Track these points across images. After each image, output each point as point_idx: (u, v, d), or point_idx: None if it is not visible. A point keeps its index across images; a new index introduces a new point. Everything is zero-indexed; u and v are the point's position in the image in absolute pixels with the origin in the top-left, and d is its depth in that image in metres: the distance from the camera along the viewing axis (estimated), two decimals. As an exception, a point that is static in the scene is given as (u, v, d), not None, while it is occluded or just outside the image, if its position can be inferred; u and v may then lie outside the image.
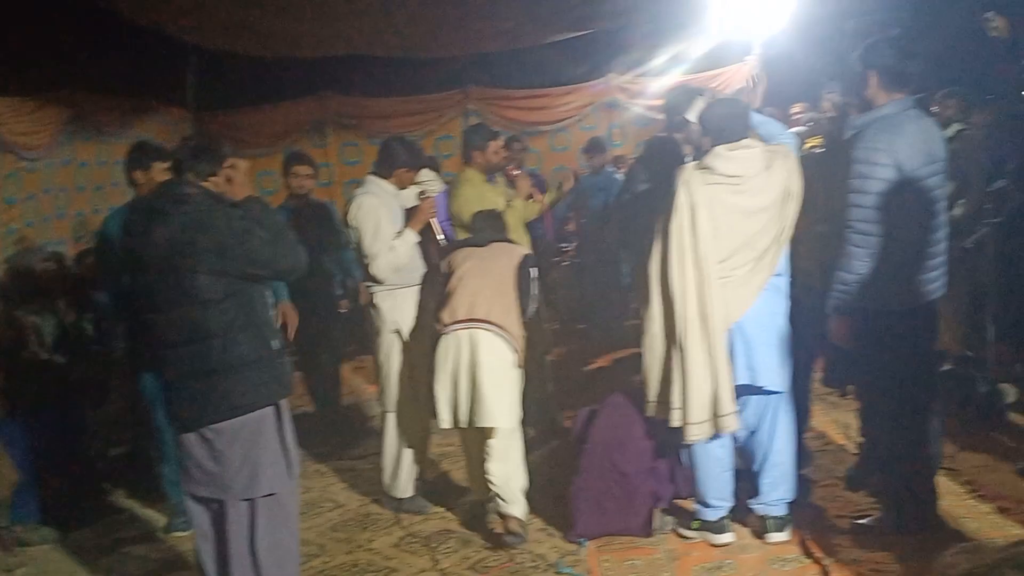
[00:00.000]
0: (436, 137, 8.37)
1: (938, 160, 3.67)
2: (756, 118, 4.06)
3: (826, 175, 4.10)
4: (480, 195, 5.06)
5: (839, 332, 3.77)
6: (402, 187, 4.63)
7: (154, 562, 4.34)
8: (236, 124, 8.92)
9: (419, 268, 4.59)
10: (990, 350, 5.10)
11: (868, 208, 3.56)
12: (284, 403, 3.30)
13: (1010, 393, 5.15)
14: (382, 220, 4.43)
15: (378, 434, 4.73)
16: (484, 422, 4.09)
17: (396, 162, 4.59)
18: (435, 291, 4.46)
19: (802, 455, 4.49)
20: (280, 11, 6.67)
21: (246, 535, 3.23)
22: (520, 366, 4.24)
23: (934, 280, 3.73)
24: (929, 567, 3.55)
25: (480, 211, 4.70)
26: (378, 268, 4.42)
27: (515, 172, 5.21)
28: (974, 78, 6.15)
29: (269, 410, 3.22)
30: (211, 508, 3.28)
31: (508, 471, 4.20)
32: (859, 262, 3.61)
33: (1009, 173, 4.82)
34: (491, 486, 4.20)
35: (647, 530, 4.07)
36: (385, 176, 4.61)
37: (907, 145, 3.58)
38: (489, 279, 4.26)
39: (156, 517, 4.80)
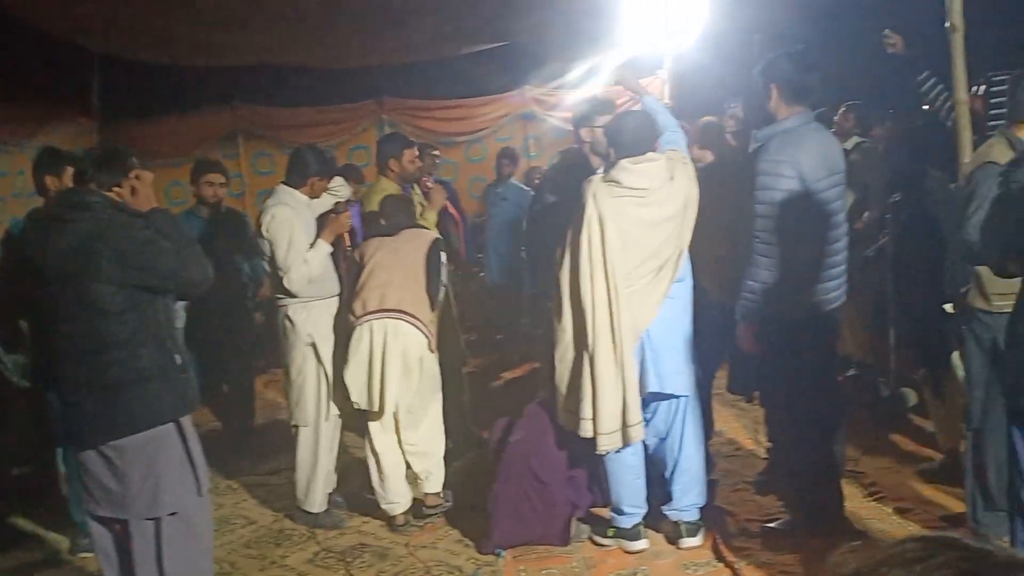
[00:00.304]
0: (350, 147, 8.31)
1: (837, 172, 3.79)
2: (651, 103, 4.15)
3: (724, 187, 4.22)
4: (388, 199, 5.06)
5: (746, 339, 3.86)
6: (314, 196, 4.59)
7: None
8: (144, 134, 8.70)
9: (333, 280, 4.56)
10: (892, 356, 5.28)
11: (772, 218, 3.65)
12: (188, 419, 3.22)
13: (911, 397, 5.33)
14: (296, 232, 4.37)
15: (291, 449, 4.65)
16: (396, 405, 4.32)
17: (308, 171, 4.55)
18: (348, 282, 4.50)
19: (707, 461, 4.62)
20: (190, 19, 6.53)
21: (152, 555, 3.13)
22: (433, 350, 4.44)
23: (835, 289, 3.84)
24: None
25: (389, 196, 4.74)
26: (291, 281, 4.37)
27: (429, 184, 5.17)
28: (874, 93, 6.38)
29: (172, 426, 3.13)
30: (113, 529, 3.19)
31: (425, 445, 4.44)
32: (764, 271, 3.69)
33: (903, 184, 5.01)
34: (409, 459, 4.42)
35: (565, 539, 4.09)
36: (297, 186, 4.55)
37: (809, 157, 3.68)
38: (398, 269, 4.40)
39: (61, 539, 4.64)
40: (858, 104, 6.22)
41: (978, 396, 3.59)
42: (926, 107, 4.84)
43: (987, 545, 0.92)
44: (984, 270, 3.44)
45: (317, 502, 4.58)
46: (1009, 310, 3.09)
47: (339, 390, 4.45)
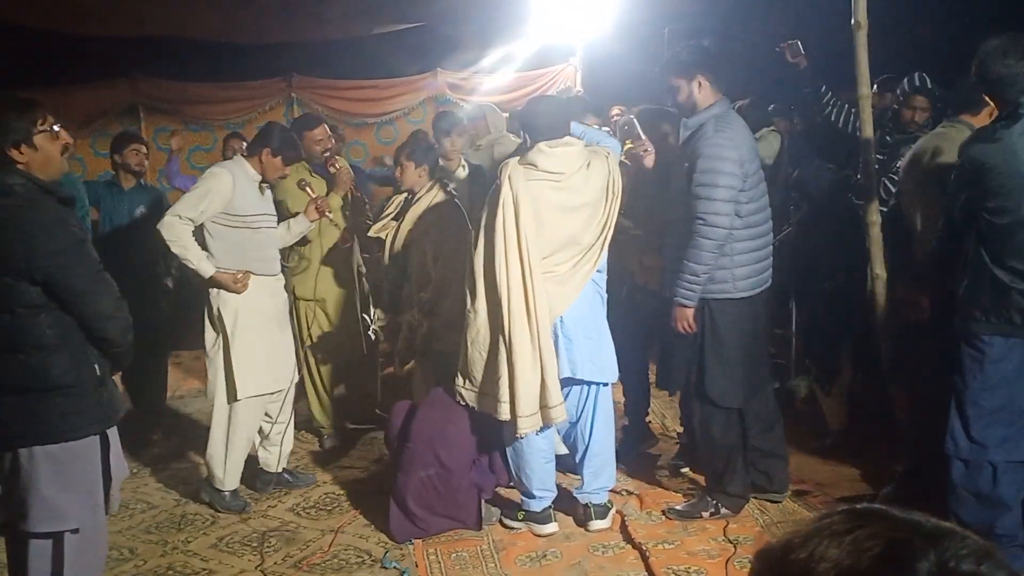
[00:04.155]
0: (257, 125, 8.08)
1: (758, 156, 3.95)
2: (579, 129, 4.17)
3: (648, 179, 4.30)
4: (301, 187, 4.94)
5: (682, 321, 3.88)
6: (266, 175, 4.46)
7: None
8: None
9: (265, 261, 4.49)
10: (791, 345, 5.44)
11: (717, 200, 3.73)
12: (112, 432, 2.99)
13: (801, 387, 5.48)
14: (214, 195, 4.27)
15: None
16: None
17: (264, 143, 4.44)
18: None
19: (648, 437, 4.86)
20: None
21: (48, 571, 2.90)
22: None
23: (766, 269, 3.98)
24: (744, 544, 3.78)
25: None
26: (164, 224, 4.26)
27: (336, 166, 5.05)
28: (775, 88, 6.53)
29: (89, 440, 2.88)
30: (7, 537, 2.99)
31: None
32: (708, 253, 3.76)
33: (801, 178, 5.19)
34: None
35: (478, 523, 4.09)
36: (249, 155, 4.49)
37: (743, 140, 3.83)
38: None
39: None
40: (757, 100, 6.36)
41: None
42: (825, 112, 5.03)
43: (913, 515, 0.95)
44: None
45: (229, 481, 4.49)
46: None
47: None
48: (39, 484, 2.83)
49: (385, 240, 4.73)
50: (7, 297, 2.74)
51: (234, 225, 4.35)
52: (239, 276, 4.36)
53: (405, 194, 4.77)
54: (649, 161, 4.26)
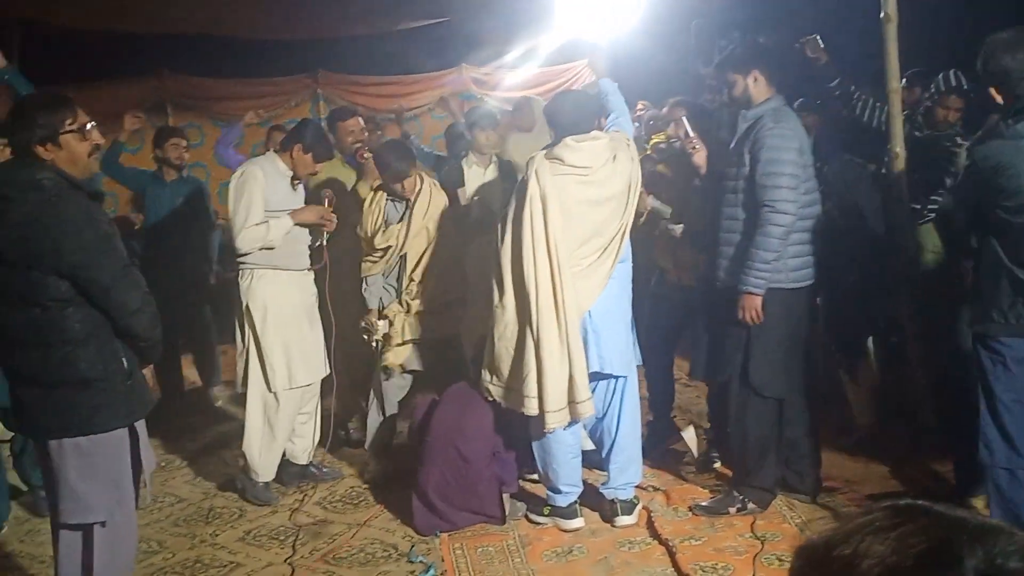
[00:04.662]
0: (285, 121, 8.12)
1: (810, 150, 3.98)
2: (607, 85, 4.24)
3: (689, 174, 4.31)
4: (334, 177, 5.11)
5: (751, 310, 3.85)
6: (297, 172, 4.50)
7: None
8: (67, 101, 8.39)
9: (294, 256, 4.50)
10: (824, 336, 5.39)
11: (783, 188, 3.75)
12: (141, 425, 3.01)
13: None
14: (255, 194, 4.33)
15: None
16: None
17: (296, 139, 4.48)
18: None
19: (674, 433, 4.79)
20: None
21: (77, 562, 2.95)
22: None
23: (815, 263, 3.98)
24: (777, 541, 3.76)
25: None
26: (241, 240, 4.33)
27: (366, 156, 5.12)
28: (801, 81, 6.48)
29: (118, 433, 2.91)
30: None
31: None
32: (777, 240, 3.77)
33: (828, 171, 5.15)
34: None
35: (501, 517, 4.09)
36: (281, 151, 4.53)
37: (801, 131, 3.90)
38: None
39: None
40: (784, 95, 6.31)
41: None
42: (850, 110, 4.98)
43: (958, 511, 0.93)
44: None
45: (264, 472, 4.54)
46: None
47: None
48: (68, 476, 2.86)
49: (393, 246, 4.75)
50: (36, 291, 2.76)
51: (265, 220, 4.37)
52: (321, 210, 4.47)
53: (379, 192, 4.78)
54: (699, 158, 4.26)
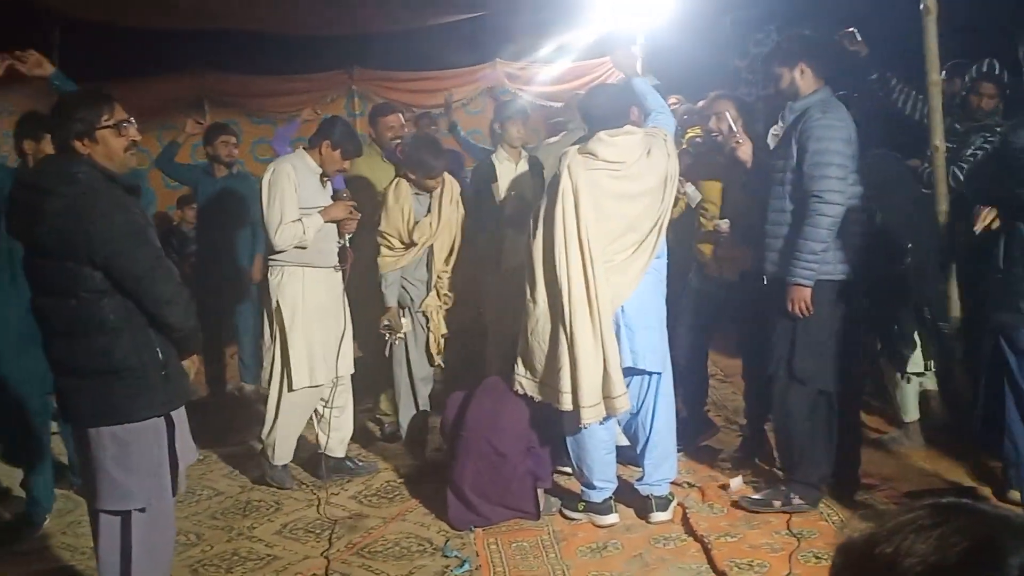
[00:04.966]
0: (324, 115, 8.18)
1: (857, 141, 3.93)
2: (641, 84, 4.21)
3: (731, 169, 4.28)
4: (371, 172, 5.17)
5: (800, 302, 3.82)
6: (326, 168, 4.54)
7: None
8: (107, 98, 8.50)
9: (322, 254, 4.54)
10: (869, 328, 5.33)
11: (832, 178, 3.74)
12: (179, 414, 3.07)
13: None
14: (287, 191, 4.37)
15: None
16: None
17: (324, 135, 4.51)
18: None
19: (708, 428, 4.79)
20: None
21: (116, 548, 3.02)
22: None
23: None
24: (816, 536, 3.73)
25: None
26: (279, 237, 4.38)
27: (403, 153, 5.16)
28: (840, 77, 6.40)
29: (153, 422, 2.96)
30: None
31: None
32: (825, 230, 3.75)
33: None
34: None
35: (535, 512, 4.09)
36: (310, 148, 4.57)
37: (849, 122, 3.86)
38: None
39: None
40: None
41: None
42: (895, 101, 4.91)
43: (1001, 509, 0.92)
44: None
45: (278, 457, 4.64)
46: None
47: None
48: (105, 463, 2.93)
49: (426, 239, 4.77)
50: (72, 282, 2.83)
51: (299, 217, 4.41)
52: (349, 206, 4.52)
53: (401, 186, 4.78)
54: (743, 153, 4.24)
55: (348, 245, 4.61)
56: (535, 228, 3.95)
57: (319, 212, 4.45)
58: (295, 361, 4.46)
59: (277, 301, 4.48)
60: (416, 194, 4.78)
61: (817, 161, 3.76)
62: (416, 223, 4.75)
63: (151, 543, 3.05)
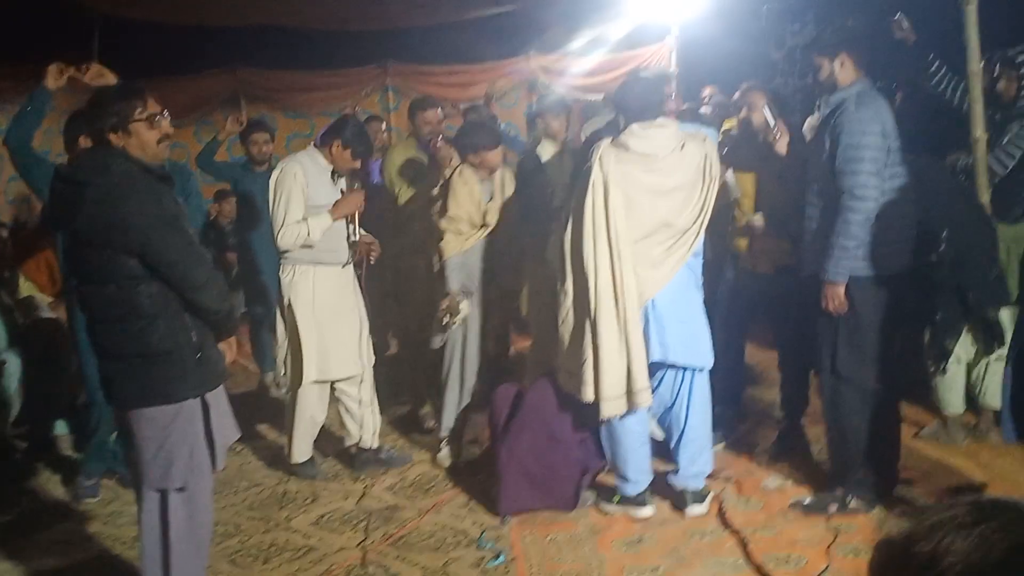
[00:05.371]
0: (358, 110, 8.23)
1: (898, 133, 3.83)
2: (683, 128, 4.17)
3: (771, 164, 4.24)
4: (407, 164, 5.25)
5: (834, 299, 3.78)
6: (337, 166, 4.56)
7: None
8: (145, 95, 8.60)
9: (335, 251, 4.56)
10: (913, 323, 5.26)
11: (864, 174, 3.67)
12: (215, 396, 3.14)
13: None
14: (295, 191, 4.40)
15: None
16: None
17: (335, 135, 4.53)
18: None
19: (745, 422, 4.83)
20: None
21: (157, 526, 3.13)
22: None
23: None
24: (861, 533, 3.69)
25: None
26: (282, 238, 4.42)
27: (438, 145, 5.18)
28: (879, 67, 6.32)
29: (190, 403, 3.05)
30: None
31: None
32: (858, 227, 3.69)
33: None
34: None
35: (573, 502, 4.09)
36: (321, 146, 4.59)
37: (886, 114, 3.78)
38: None
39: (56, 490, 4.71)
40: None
41: None
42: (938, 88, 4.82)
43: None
44: None
45: (296, 455, 4.71)
46: None
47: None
48: (143, 444, 3.05)
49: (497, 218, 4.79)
50: (111, 269, 2.93)
51: (304, 218, 4.43)
52: (358, 198, 4.54)
53: (467, 171, 4.75)
54: (782, 146, 4.19)
55: (359, 237, 4.61)
56: (566, 220, 3.94)
57: (328, 210, 4.46)
58: (306, 357, 4.51)
59: (289, 299, 4.53)
60: (481, 181, 4.78)
61: (849, 156, 3.69)
62: (487, 204, 4.76)
63: (190, 524, 3.15)
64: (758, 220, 4.39)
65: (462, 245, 4.72)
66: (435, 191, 4.88)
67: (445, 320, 4.74)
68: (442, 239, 4.68)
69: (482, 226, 4.73)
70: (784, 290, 4.29)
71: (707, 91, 6.92)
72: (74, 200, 2.91)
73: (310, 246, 4.44)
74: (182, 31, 8.17)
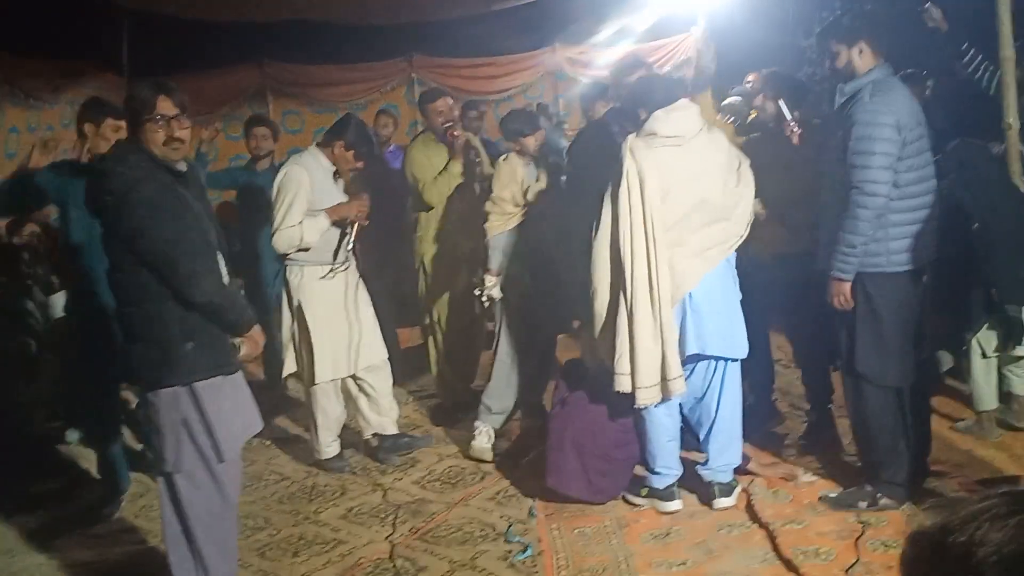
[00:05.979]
0: (380, 106, 8.24)
1: (922, 123, 3.72)
2: None
3: (782, 152, 4.19)
4: (426, 156, 5.24)
5: (840, 296, 3.72)
6: (339, 167, 4.59)
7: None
8: (173, 91, 8.66)
9: (329, 250, 4.59)
10: (928, 320, 5.20)
11: (874, 168, 3.57)
12: (213, 386, 3.16)
13: (945, 360, 5.26)
14: (298, 194, 4.41)
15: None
16: None
17: (338, 135, 4.55)
18: None
19: (771, 415, 4.74)
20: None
21: (171, 510, 3.22)
22: None
23: (928, 243, 3.74)
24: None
25: None
26: (277, 240, 4.45)
27: (456, 134, 5.17)
28: (910, 55, 6.25)
29: (174, 390, 3.11)
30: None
31: None
32: (865, 223, 3.60)
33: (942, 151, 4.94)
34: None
35: (616, 491, 4.10)
36: (324, 147, 4.60)
37: (902, 106, 3.64)
38: None
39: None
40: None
41: None
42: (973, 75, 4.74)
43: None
44: None
45: (322, 451, 4.75)
46: None
47: None
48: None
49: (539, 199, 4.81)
50: (118, 256, 3.10)
51: (300, 222, 4.44)
52: (361, 203, 4.56)
53: (512, 155, 4.82)
54: (797, 139, 4.14)
55: (352, 247, 4.64)
56: (601, 211, 3.93)
57: (325, 212, 4.46)
58: (318, 357, 4.54)
59: (299, 301, 4.55)
60: (525, 164, 4.81)
61: (860, 150, 3.57)
62: (529, 186, 4.79)
63: (200, 508, 3.21)
64: (758, 208, 4.34)
65: (506, 224, 4.78)
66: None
67: (482, 296, 4.84)
68: (487, 220, 4.78)
69: (525, 206, 4.77)
70: (786, 280, 4.25)
71: (751, 77, 6.86)
72: (97, 189, 3.10)
73: (306, 249, 4.46)
74: (209, 26, 8.22)
